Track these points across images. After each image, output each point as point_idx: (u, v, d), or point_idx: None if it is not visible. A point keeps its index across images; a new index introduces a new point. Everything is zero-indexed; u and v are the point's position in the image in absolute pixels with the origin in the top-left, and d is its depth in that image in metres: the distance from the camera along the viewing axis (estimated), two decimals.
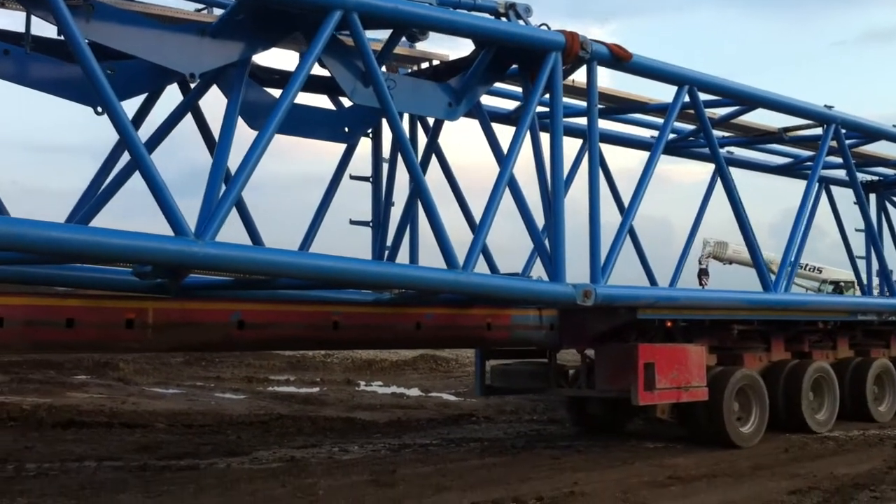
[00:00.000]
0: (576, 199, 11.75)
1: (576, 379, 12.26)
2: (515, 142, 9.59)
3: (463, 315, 10.95)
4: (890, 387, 14.92)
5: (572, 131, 12.05)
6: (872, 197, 18.89)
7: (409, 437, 12.75)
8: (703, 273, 27.78)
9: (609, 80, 11.67)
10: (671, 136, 15.00)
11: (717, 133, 15.25)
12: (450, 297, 10.50)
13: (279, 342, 9.83)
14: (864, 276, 17.72)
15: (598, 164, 10.36)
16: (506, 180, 9.42)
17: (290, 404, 17.08)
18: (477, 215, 10.15)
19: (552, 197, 9.84)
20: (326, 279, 8.27)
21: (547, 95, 9.94)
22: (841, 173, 18.18)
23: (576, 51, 9.97)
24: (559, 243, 9.73)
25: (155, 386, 20.62)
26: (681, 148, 15.23)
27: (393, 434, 13.01)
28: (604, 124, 14.78)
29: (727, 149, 16.29)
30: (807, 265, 31.82)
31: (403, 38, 10.10)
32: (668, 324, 11.62)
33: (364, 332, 10.18)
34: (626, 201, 11.79)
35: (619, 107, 13.28)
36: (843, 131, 13.94)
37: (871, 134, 14.45)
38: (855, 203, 16.70)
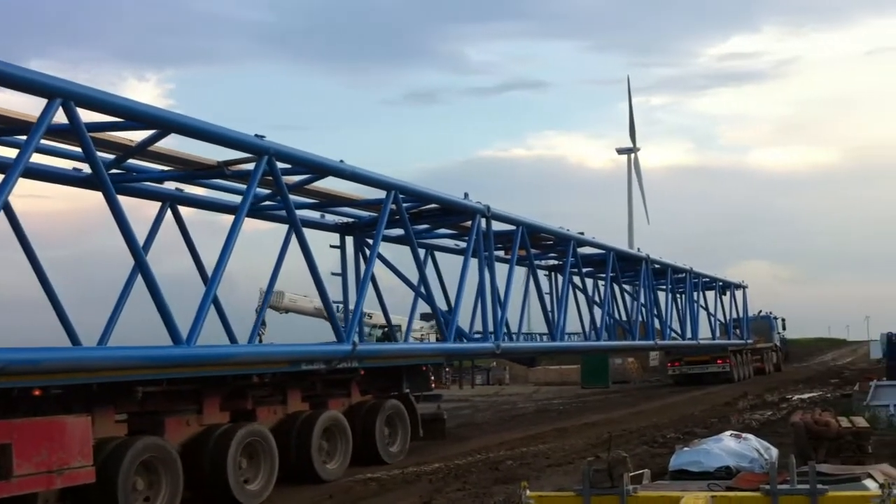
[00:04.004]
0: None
1: None
2: None
3: None
4: (341, 441, 13.78)
5: None
6: (350, 239, 18.37)
7: None
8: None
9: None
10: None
11: (155, 166, 13.47)
12: None
13: None
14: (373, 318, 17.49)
15: None
16: None
17: None
18: None
19: None
20: None
21: None
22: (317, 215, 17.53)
23: None
24: None
25: None
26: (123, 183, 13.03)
27: None
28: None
29: (176, 185, 14.53)
30: None
31: None
32: (37, 392, 9.31)
33: None
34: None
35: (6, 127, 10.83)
36: (286, 166, 12.80)
37: (311, 166, 13.30)
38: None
